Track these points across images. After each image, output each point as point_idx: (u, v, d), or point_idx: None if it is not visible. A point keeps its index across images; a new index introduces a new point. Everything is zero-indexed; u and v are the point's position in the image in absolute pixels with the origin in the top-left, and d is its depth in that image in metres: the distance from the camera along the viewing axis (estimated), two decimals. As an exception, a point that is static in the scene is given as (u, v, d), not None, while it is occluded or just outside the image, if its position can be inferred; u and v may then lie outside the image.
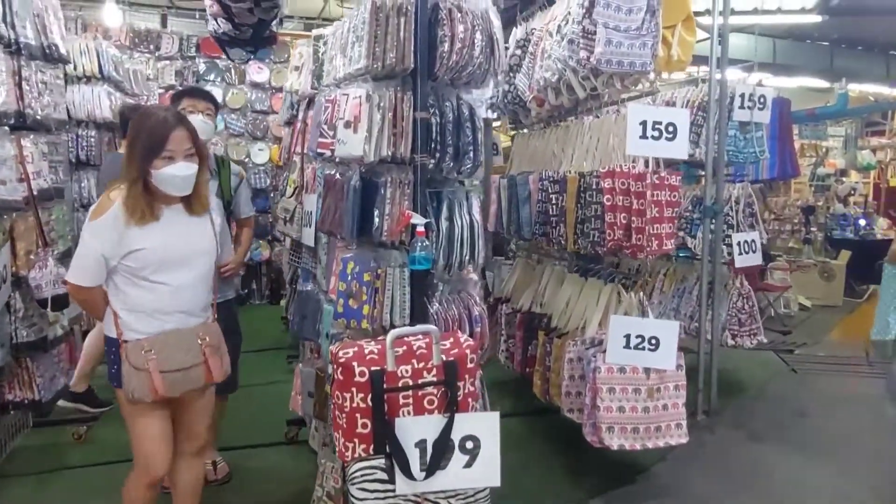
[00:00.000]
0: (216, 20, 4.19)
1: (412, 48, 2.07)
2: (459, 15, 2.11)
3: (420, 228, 2.12)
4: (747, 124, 4.39)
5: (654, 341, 2.95)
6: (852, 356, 5.38)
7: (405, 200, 2.15)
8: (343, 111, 2.18)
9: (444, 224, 2.22)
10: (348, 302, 2.19)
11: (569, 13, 3.25)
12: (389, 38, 2.04)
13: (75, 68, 4.12)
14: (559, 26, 3.36)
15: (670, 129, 2.90)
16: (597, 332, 3.25)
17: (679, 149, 2.92)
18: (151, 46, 6.70)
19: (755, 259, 4.40)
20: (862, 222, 8.87)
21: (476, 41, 2.13)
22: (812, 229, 9.35)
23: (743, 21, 6.03)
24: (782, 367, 5.23)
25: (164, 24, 7.19)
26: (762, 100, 4.39)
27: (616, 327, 2.96)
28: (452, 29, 2.10)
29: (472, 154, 2.21)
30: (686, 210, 4.71)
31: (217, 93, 6.85)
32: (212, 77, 6.87)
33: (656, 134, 2.89)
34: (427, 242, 2.14)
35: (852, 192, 9.47)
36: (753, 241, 4.40)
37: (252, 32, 4.24)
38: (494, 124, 5.72)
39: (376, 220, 2.14)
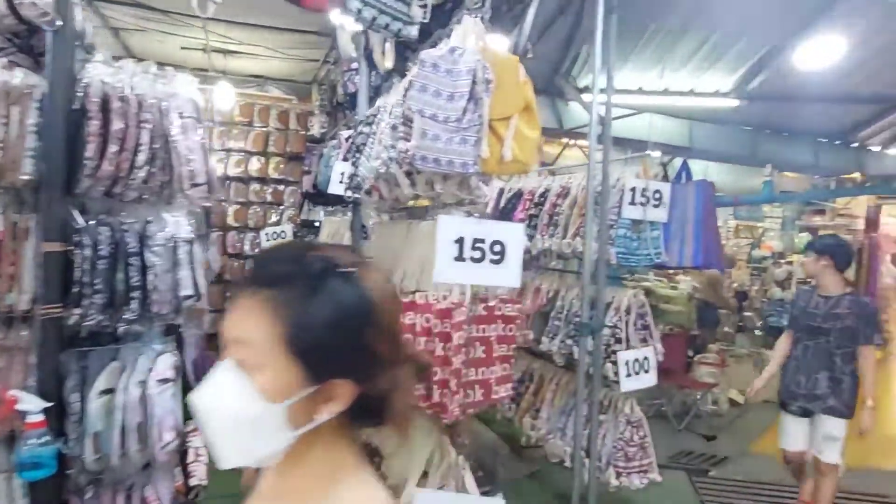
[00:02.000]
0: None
1: (31, 151, 1.40)
2: (119, 105, 1.45)
3: (34, 418, 1.40)
4: (640, 223, 3.84)
5: (470, 526, 2.25)
6: (770, 481, 4.73)
7: (16, 373, 1.43)
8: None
9: (94, 402, 1.50)
10: (-76, 523, 1.43)
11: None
12: (-10, 136, 1.36)
13: None
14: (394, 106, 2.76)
15: (497, 248, 2.27)
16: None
17: (508, 275, 2.27)
18: None
19: (648, 380, 3.76)
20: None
21: (142, 143, 1.47)
22: (748, 314, 8.87)
23: (656, 102, 5.62)
24: (690, 496, 4.54)
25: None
26: (657, 195, 3.84)
27: (421, 504, 2.25)
28: (105, 125, 1.44)
29: (137, 301, 1.52)
30: (577, 314, 4.11)
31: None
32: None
33: (478, 255, 2.24)
34: (47, 437, 1.42)
35: (790, 275, 9.04)
36: (647, 358, 3.78)
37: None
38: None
39: (-39, 404, 1.40)
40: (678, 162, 7.12)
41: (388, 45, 2.58)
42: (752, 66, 5.37)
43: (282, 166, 6.74)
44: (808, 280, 4.47)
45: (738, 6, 4.24)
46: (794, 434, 3.73)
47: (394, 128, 2.55)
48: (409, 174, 2.62)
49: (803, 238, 10.34)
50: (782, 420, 3.81)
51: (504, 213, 5.15)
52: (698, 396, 6.68)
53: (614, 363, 3.67)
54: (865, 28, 4.78)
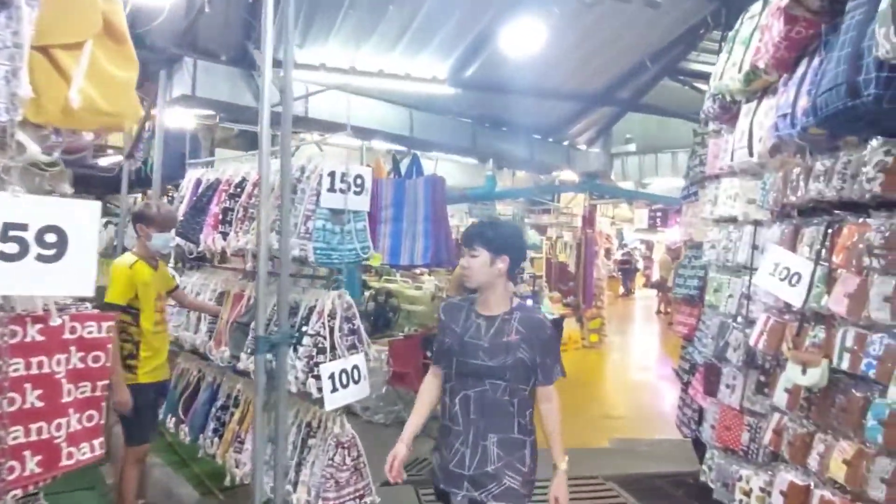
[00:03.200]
0: None
1: None
2: None
3: None
4: (342, 213, 3.30)
5: None
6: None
7: None
8: None
9: None
10: None
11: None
12: None
13: None
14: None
15: (50, 238, 1.47)
16: None
17: (73, 279, 1.49)
18: None
19: (358, 392, 3.25)
20: (529, 302, 8.82)
21: None
22: (478, 311, 9.03)
23: (370, 84, 5.24)
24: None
25: None
26: (359, 181, 3.34)
27: None
28: None
29: None
30: (276, 325, 3.44)
31: None
32: None
33: (13, 249, 1.42)
34: None
35: (521, 270, 9.50)
36: (356, 367, 3.26)
37: None
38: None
39: None
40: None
41: None
42: (464, 52, 5.27)
43: None
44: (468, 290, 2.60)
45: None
46: None
47: None
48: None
49: (531, 235, 11.04)
50: None
51: (198, 206, 4.29)
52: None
53: (318, 377, 3.08)
54: (560, 18, 4.94)
